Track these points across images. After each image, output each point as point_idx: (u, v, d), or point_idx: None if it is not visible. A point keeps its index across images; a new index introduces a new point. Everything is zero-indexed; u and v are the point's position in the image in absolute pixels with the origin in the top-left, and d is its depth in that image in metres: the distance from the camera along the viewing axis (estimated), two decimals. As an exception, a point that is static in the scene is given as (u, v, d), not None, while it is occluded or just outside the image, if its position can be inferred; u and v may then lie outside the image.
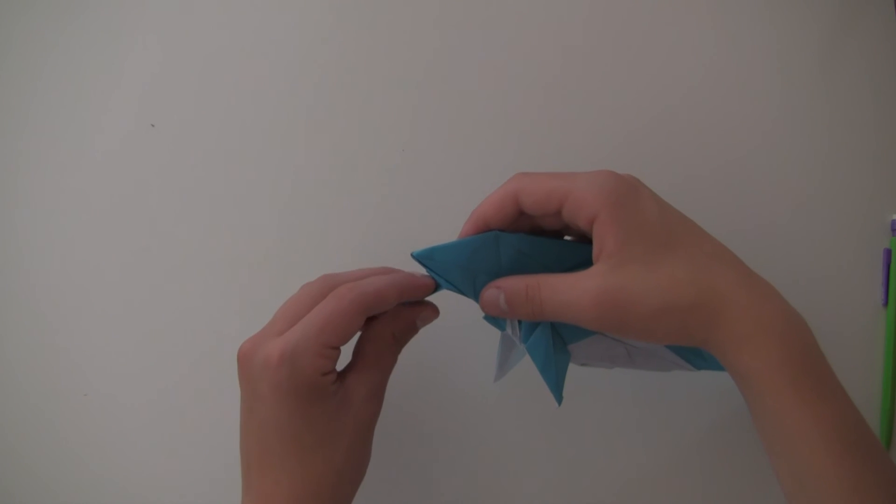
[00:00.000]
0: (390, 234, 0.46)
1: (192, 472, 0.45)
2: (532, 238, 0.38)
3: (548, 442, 0.45)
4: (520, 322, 0.38)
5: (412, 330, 0.39)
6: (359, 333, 0.38)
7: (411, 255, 0.37)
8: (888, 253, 0.46)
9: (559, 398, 0.39)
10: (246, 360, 0.35)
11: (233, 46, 0.47)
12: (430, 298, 0.39)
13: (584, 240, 0.38)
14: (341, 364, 0.37)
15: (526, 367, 0.40)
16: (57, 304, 0.46)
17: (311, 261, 0.46)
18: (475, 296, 0.38)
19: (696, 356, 0.40)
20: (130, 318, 0.46)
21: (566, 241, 0.39)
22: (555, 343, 0.38)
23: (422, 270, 0.38)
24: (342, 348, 0.36)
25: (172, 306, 0.46)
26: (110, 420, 0.46)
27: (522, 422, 0.46)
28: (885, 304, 0.46)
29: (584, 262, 0.36)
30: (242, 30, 0.47)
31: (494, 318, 0.39)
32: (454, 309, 0.40)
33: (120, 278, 0.46)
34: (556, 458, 0.45)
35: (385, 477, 0.45)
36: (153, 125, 0.47)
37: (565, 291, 0.35)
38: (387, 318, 0.38)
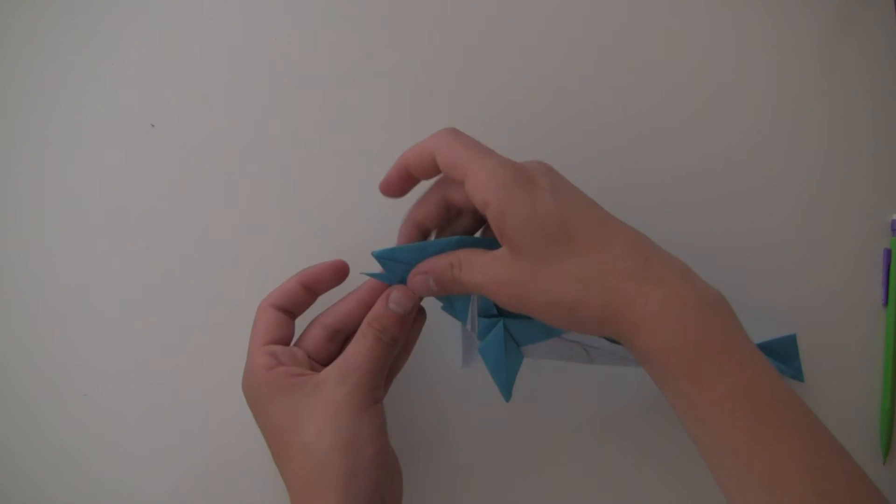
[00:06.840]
0: (391, 234, 0.46)
1: (193, 472, 0.45)
2: (495, 243, 0.38)
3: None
4: (477, 319, 0.39)
5: (389, 316, 0.39)
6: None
7: (372, 253, 0.38)
8: (888, 253, 0.46)
9: (507, 396, 0.40)
10: None
11: (233, 46, 0.47)
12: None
13: None
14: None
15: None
16: (57, 304, 0.46)
17: (311, 262, 0.46)
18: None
19: None
20: (130, 318, 0.46)
21: None
22: (507, 346, 0.39)
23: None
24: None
25: (172, 306, 0.46)
26: (110, 420, 0.46)
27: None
28: (885, 304, 0.46)
29: None
30: (243, 30, 0.47)
31: (452, 309, 0.40)
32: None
33: (119, 278, 0.46)
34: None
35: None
36: (153, 125, 0.47)
37: (478, 274, 0.36)
38: (349, 310, 0.41)
